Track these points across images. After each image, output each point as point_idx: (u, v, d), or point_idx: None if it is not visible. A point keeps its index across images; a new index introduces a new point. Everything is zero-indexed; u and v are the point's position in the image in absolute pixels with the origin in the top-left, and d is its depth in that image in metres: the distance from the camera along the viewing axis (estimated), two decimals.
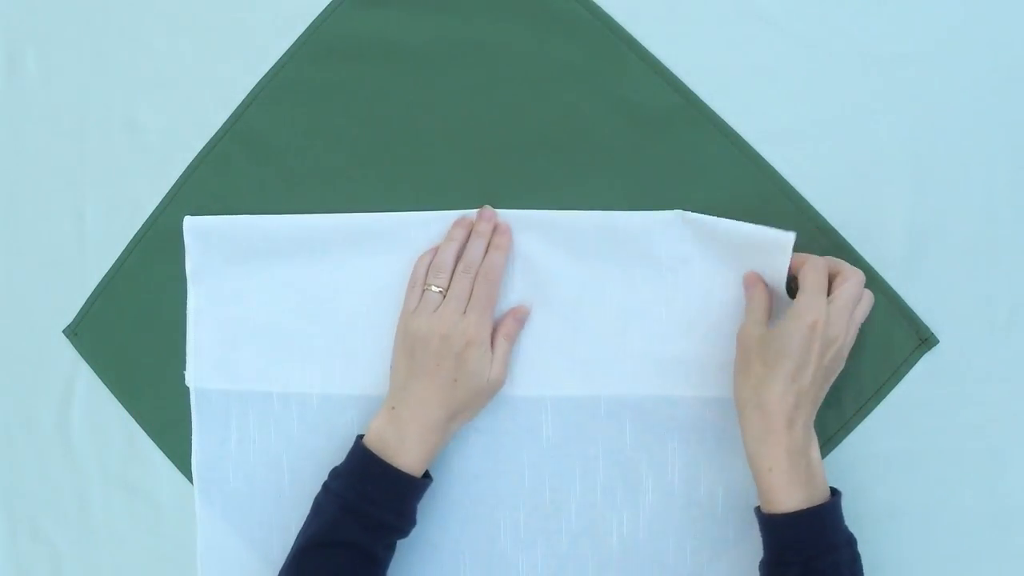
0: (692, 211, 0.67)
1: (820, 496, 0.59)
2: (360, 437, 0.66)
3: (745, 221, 0.65)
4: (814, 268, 0.60)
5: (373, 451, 0.63)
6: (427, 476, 0.66)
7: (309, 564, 0.63)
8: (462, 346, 0.63)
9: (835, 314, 0.59)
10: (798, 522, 0.58)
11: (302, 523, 0.67)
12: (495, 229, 0.68)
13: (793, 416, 0.58)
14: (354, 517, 0.62)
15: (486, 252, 0.67)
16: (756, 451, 0.59)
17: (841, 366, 0.61)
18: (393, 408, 0.65)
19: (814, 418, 0.60)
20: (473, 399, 0.65)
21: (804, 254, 0.63)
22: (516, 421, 0.69)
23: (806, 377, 0.58)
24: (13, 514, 0.79)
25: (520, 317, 0.67)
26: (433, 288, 0.65)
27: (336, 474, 0.65)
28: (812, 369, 0.58)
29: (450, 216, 0.69)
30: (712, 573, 0.68)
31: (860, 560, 0.59)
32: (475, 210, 0.69)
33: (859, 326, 0.62)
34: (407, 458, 0.63)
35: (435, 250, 0.68)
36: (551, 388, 0.68)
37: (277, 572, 0.69)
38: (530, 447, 0.69)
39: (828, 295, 0.60)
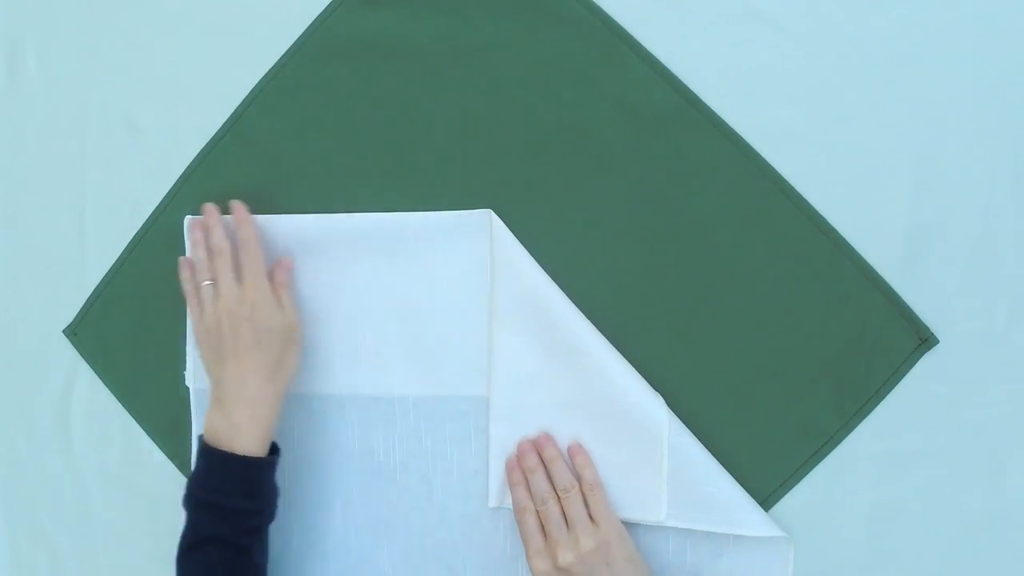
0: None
1: None
2: (201, 436, 0.67)
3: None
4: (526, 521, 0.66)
5: (212, 445, 0.65)
6: (275, 452, 0.67)
7: (186, 570, 0.65)
8: (249, 310, 0.66)
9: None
10: None
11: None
12: (232, 208, 0.70)
13: None
14: (208, 511, 0.64)
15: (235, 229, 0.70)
16: None
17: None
18: (219, 399, 0.66)
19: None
20: (281, 354, 0.67)
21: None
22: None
23: None
24: (13, 514, 0.79)
25: (286, 265, 0.70)
26: (204, 283, 0.68)
27: (190, 477, 0.66)
28: None
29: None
30: (712, 573, 0.68)
31: None
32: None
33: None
34: (244, 440, 0.64)
35: (190, 265, 0.71)
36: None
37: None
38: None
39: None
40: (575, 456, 0.68)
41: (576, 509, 0.65)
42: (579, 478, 0.67)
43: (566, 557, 0.63)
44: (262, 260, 0.68)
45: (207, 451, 0.65)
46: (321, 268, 0.71)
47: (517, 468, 0.68)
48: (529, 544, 0.65)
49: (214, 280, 0.68)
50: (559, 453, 0.68)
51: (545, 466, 0.67)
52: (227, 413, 0.65)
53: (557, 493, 0.66)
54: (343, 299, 0.71)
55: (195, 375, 0.74)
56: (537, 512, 0.66)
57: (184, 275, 0.71)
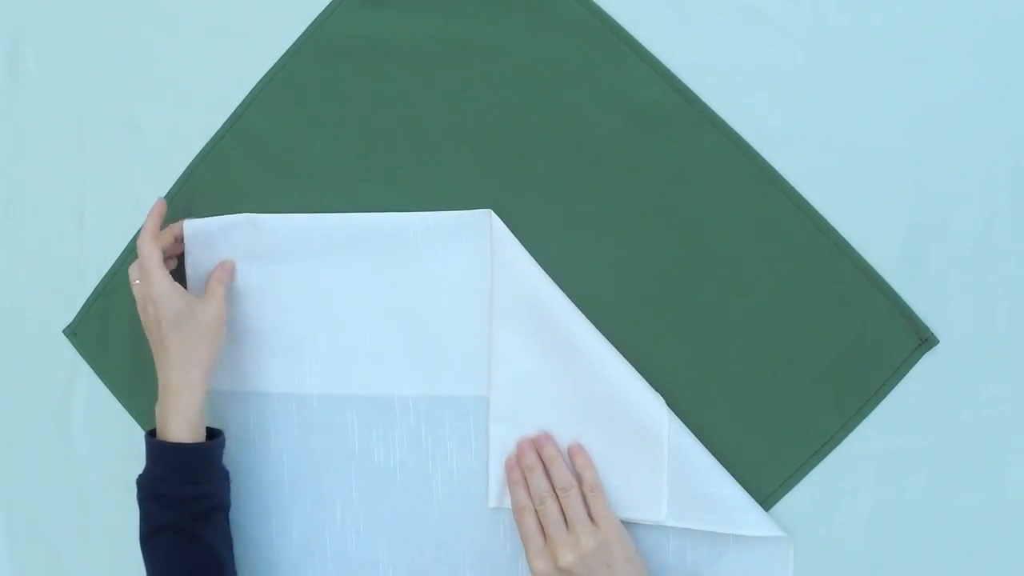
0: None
1: None
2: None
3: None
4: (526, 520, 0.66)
5: (156, 436, 0.66)
6: (215, 436, 0.68)
7: (146, 560, 0.67)
8: (145, 302, 0.68)
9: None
10: None
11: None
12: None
13: None
14: (155, 501, 0.66)
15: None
16: None
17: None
18: (158, 395, 0.68)
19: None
20: (193, 343, 0.67)
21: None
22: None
23: None
24: (13, 514, 0.79)
25: (228, 268, 0.72)
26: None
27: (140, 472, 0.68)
28: None
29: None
30: (712, 573, 0.68)
31: None
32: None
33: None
34: (174, 429, 0.65)
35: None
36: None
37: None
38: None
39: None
40: (575, 457, 0.68)
41: (576, 509, 0.65)
42: (579, 479, 0.67)
43: (567, 557, 0.63)
44: (156, 256, 0.68)
45: (150, 443, 0.67)
46: (321, 268, 0.71)
47: (516, 467, 0.68)
48: (529, 544, 0.65)
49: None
50: (559, 453, 0.68)
51: (544, 466, 0.67)
52: (161, 403, 0.67)
53: (556, 493, 0.66)
54: (343, 299, 0.71)
55: None
56: (536, 512, 0.66)
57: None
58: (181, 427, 0.66)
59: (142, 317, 0.69)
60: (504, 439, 0.69)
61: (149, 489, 0.66)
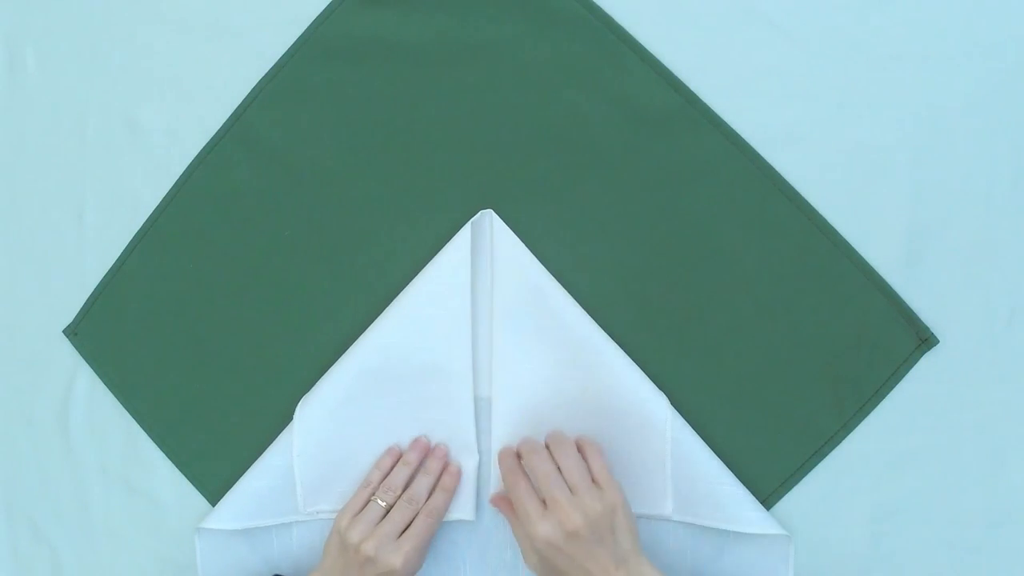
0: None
1: None
2: None
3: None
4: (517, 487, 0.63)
5: None
6: None
7: None
8: (382, 572, 0.63)
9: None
10: None
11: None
12: (445, 469, 0.69)
13: None
14: None
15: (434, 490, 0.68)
16: None
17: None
18: None
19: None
20: None
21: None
22: None
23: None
24: (13, 514, 0.79)
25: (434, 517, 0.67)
26: (379, 502, 0.66)
27: None
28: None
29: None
30: (712, 573, 0.68)
31: None
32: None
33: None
34: None
35: (393, 458, 0.69)
36: None
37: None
38: None
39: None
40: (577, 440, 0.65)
41: (580, 472, 0.61)
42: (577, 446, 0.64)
43: (574, 520, 0.58)
44: (432, 534, 0.67)
45: None
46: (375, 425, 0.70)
47: (508, 451, 0.66)
48: (527, 508, 0.61)
49: (387, 508, 0.66)
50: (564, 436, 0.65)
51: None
52: None
53: (557, 464, 0.63)
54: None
55: (304, 499, 0.70)
56: (530, 479, 0.62)
57: (383, 463, 0.69)
58: None
59: (358, 554, 0.64)
60: (506, 439, 0.69)
61: None
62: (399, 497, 0.67)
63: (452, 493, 0.68)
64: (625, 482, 0.65)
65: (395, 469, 0.68)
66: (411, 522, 0.66)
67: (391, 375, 0.69)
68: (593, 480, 0.61)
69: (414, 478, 0.68)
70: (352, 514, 0.66)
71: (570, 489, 0.60)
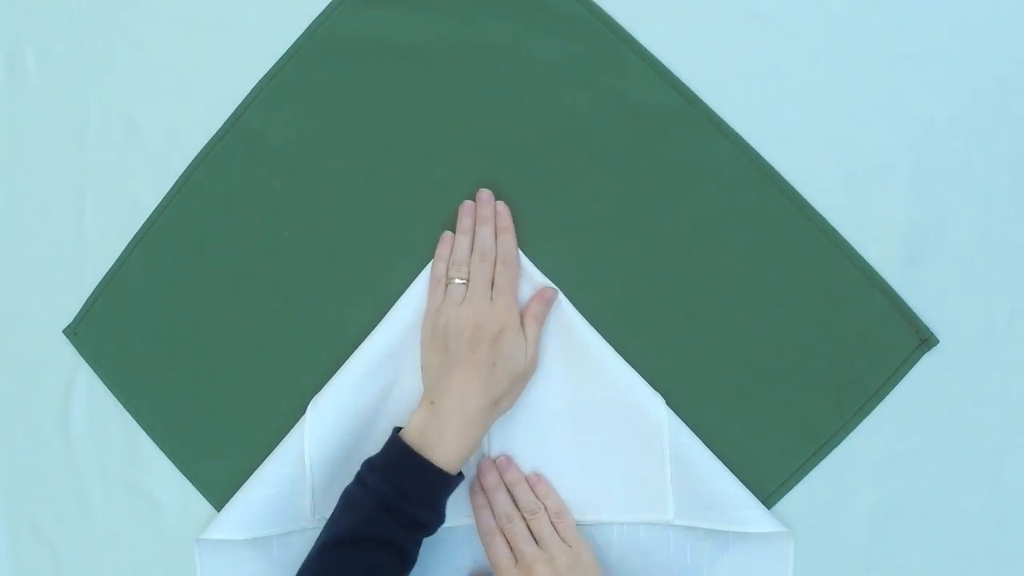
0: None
1: None
2: (397, 430, 0.64)
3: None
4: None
5: (412, 446, 0.61)
6: (460, 475, 0.64)
7: (339, 558, 0.60)
8: (497, 331, 0.63)
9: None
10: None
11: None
12: (496, 211, 0.68)
13: None
14: (391, 515, 0.60)
15: (496, 236, 0.67)
16: None
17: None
18: (432, 403, 0.63)
19: None
20: (512, 384, 0.65)
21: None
22: None
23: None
24: (13, 514, 0.79)
25: (548, 298, 0.67)
26: (456, 280, 0.66)
27: (372, 467, 0.62)
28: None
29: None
30: (712, 573, 0.68)
31: None
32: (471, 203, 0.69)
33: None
34: (445, 453, 0.61)
35: (449, 243, 0.68)
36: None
37: (277, 571, 0.69)
38: None
39: None
40: (535, 486, 0.67)
41: (547, 530, 0.64)
42: (543, 507, 0.66)
43: (543, 572, 0.61)
44: (518, 280, 0.67)
45: (409, 454, 0.61)
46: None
47: (479, 492, 0.67)
48: (501, 566, 0.63)
49: (467, 282, 0.66)
50: (522, 477, 0.67)
51: (508, 489, 0.66)
52: (440, 419, 0.62)
53: (523, 516, 0.65)
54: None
55: (315, 507, 0.69)
56: (504, 533, 0.64)
57: (439, 256, 0.68)
58: (456, 455, 0.61)
59: (453, 323, 0.64)
60: (504, 441, 0.69)
61: (389, 500, 0.60)
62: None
63: (513, 232, 0.68)
64: (626, 488, 0.66)
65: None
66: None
67: (398, 377, 0.69)
68: (562, 539, 0.64)
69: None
70: (435, 308, 0.65)
71: (537, 542, 0.63)
